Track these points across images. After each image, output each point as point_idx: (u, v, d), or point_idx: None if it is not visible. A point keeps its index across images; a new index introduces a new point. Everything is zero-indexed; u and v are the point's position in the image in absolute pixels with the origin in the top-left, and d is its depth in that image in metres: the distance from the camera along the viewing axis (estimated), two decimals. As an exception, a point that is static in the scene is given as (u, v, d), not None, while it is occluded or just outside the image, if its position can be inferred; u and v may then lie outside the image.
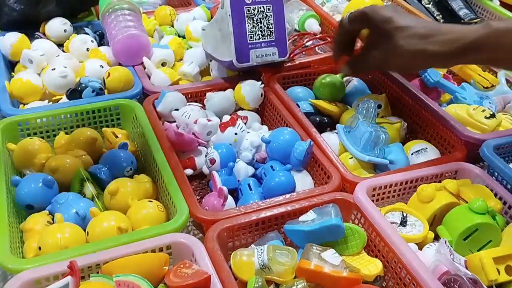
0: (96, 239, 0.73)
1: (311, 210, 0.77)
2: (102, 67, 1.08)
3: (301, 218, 0.76)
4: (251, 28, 1.02)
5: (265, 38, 1.04)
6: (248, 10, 1.01)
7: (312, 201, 0.80)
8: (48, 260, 0.67)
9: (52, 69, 1.04)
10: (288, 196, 0.82)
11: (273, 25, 1.04)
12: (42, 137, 0.94)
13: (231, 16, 0.99)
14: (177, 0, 1.52)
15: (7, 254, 0.68)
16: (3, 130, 0.91)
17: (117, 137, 0.96)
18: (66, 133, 0.95)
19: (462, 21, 1.35)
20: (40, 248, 0.71)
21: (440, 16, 1.39)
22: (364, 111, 0.95)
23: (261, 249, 0.70)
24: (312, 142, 0.90)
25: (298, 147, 0.89)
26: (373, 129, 0.92)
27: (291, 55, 1.11)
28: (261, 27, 1.03)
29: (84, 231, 0.75)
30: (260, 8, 1.02)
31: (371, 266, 0.73)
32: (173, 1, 1.55)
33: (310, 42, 1.21)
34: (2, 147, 0.87)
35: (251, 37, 1.02)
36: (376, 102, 0.98)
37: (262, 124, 1.04)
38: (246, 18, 1.01)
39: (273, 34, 1.05)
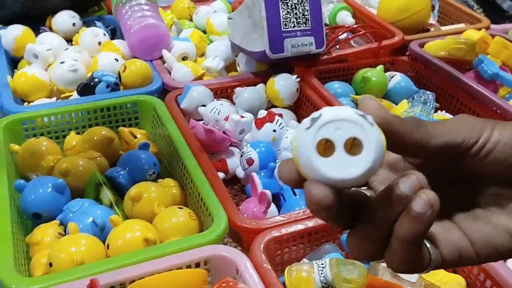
0: (118, 253, 0.62)
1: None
2: (117, 61, 0.96)
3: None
4: (286, 14, 0.90)
5: (300, 26, 0.92)
6: (283, -6, 0.89)
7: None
8: (62, 279, 0.56)
9: (61, 63, 0.92)
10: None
11: (309, 12, 0.93)
12: (50, 138, 0.83)
13: (264, -1, 0.87)
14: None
15: (12, 272, 0.57)
16: (6, 129, 0.80)
17: (135, 137, 0.85)
18: (78, 133, 0.84)
19: (507, 13, 1.24)
20: (51, 265, 0.61)
21: (481, 10, 1.28)
22: (420, 105, 0.82)
23: (322, 264, 0.58)
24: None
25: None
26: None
27: (326, 48, 0.99)
28: (296, 13, 0.91)
29: (104, 243, 0.64)
30: (296, -9, 0.90)
31: (452, 284, 0.61)
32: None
33: (344, 35, 1.09)
34: (5, 148, 0.76)
35: (285, 25, 0.90)
36: (433, 94, 0.86)
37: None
38: (280, 3, 0.89)
39: (309, 22, 0.93)
